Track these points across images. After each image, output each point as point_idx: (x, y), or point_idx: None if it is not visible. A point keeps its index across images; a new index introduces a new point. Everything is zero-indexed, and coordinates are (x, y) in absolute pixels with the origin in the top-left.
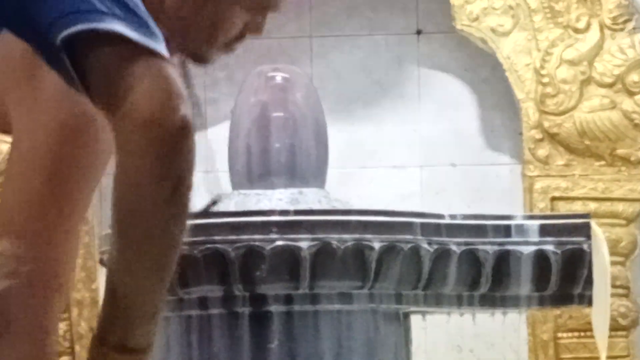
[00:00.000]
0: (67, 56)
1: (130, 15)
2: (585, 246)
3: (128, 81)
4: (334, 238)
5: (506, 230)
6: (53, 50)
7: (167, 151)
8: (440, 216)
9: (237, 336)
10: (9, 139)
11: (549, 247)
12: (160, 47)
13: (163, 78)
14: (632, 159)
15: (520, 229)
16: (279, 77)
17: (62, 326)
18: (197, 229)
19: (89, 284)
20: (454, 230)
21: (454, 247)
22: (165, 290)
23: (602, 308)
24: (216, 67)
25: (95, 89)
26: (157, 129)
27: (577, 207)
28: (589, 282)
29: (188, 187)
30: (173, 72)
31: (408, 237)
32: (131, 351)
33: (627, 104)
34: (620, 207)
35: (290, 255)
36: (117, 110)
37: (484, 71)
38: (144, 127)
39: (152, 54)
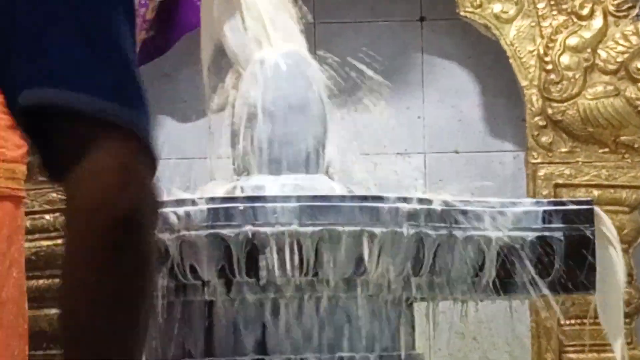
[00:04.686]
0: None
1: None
2: (588, 233)
3: (80, 159)
4: (335, 224)
5: (509, 217)
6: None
7: (109, 244)
8: (444, 202)
9: (239, 322)
10: None
11: (553, 234)
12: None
13: (117, 159)
14: (636, 145)
15: (524, 216)
16: (281, 63)
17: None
18: (199, 215)
19: None
20: (457, 216)
21: (457, 234)
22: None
23: (610, 294)
24: (220, 55)
25: (52, 162)
26: (98, 218)
27: (581, 194)
28: (592, 269)
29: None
30: (136, 156)
31: (411, 223)
32: None
33: (630, 90)
34: (623, 194)
35: (292, 242)
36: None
37: (487, 58)
38: (85, 213)
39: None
